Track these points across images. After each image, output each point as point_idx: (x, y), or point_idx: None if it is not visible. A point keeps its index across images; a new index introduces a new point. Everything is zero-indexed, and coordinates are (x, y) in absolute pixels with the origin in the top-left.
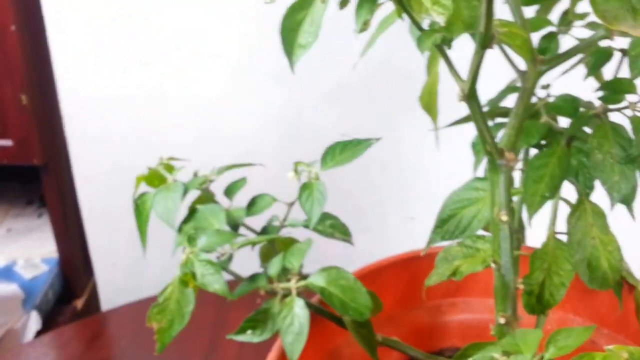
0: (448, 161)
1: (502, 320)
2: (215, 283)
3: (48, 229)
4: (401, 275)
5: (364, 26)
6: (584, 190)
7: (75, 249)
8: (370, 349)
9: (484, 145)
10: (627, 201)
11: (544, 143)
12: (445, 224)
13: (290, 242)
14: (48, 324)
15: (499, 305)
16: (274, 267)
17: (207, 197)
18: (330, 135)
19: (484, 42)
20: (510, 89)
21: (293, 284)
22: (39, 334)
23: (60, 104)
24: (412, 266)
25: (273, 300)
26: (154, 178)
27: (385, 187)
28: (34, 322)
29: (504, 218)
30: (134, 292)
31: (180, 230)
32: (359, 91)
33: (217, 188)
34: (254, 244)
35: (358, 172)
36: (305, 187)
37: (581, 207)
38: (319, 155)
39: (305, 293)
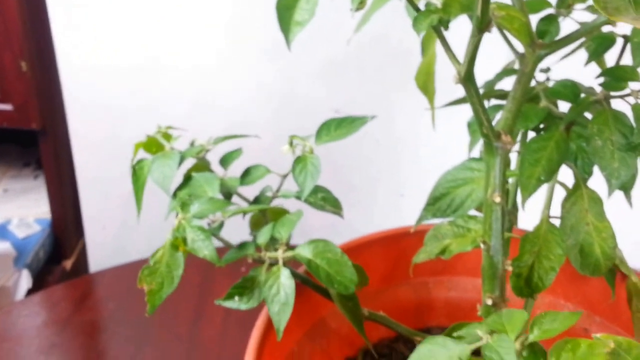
0: (441, 140)
1: (489, 301)
2: (205, 249)
3: (43, 191)
4: (389, 251)
5: (360, 5)
6: (582, 176)
7: (67, 211)
8: (356, 322)
9: (481, 127)
10: (626, 188)
11: (542, 127)
12: (438, 202)
13: (281, 212)
14: (38, 282)
15: (487, 286)
16: (263, 236)
17: (202, 166)
18: (324, 110)
19: (481, 26)
20: (507, 71)
21: (280, 254)
22: (29, 292)
23: (58, 71)
24: (400, 242)
25: (260, 269)
26: (152, 145)
27: (377, 163)
28: (25, 280)
29: (498, 200)
30: (121, 255)
31: (174, 196)
32: (353, 67)
33: (213, 158)
34: (245, 212)
35: (351, 147)
36: (299, 160)
37: (577, 193)
38: (312, 128)
39: (292, 264)
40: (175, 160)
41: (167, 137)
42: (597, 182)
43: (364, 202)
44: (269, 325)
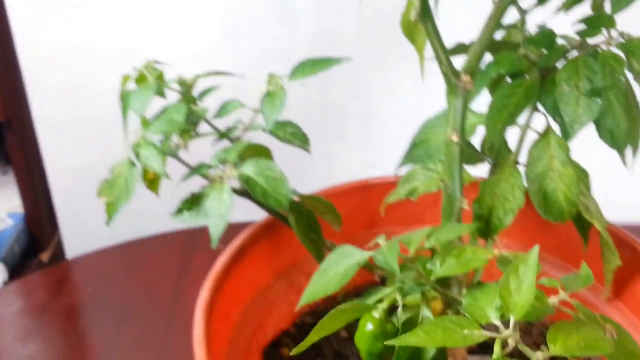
0: (415, 111)
1: None
2: (155, 164)
3: (13, 185)
4: (363, 199)
5: None
6: (564, 127)
7: (40, 203)
8: (316, 252)
9: (440, 66)
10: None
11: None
12: (416, 149)
13: (254, 147)
14: (15, 277)
15: (444, 224)
16: (214, 158)
17: (186, 100)
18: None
19: None
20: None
21: (225, 172)
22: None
23: (19, 59)
24: (374, 191)
25: (208, 187)
26: (140, 78)
27: (349, 134)
28: (1, 274)
29: (455, 139)
30: (97, 243)
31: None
32: (330, 37)
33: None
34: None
35: (323, 118)
36: (268, 95)
37: (545, 139)
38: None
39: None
40: (153, 89)
41: (150, 69)
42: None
43: (337, 173)
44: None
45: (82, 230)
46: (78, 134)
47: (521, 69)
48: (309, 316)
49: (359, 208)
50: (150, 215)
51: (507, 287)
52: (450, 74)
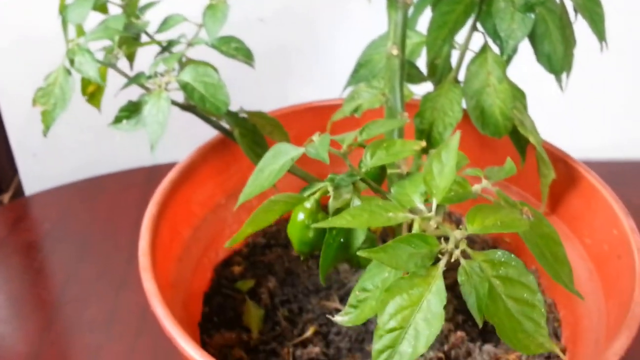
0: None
1: None
2: (90, 70)
3: None
4: (314, 120)
5: None
6: (501, 43)
7: None
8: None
9: None
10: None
11: None
12: (361, 69)
13: (196, 63)
14: None
15: (386, 137)
16: (153, 66)
17: (127, 14)
18: (250, 20)
19: None
20: None
21: (164, 81)
22: None
23: None
24: (322, 112)
25: (146, 95)
26: None
27: (303, 70)
28: None
29: (395, 52)
30: (56, 181)
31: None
32: None
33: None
34: (141, 45)
35: (275, 56)
36: (209, 7)
37: (483, 56)
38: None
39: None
40: (90, 1)
41: None
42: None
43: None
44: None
45: (39, 169)
46: (24, 62)
47: None
48: (261, 237)
49: (307, 128)
50: (111, 155)
51: (431, 172)
52: None
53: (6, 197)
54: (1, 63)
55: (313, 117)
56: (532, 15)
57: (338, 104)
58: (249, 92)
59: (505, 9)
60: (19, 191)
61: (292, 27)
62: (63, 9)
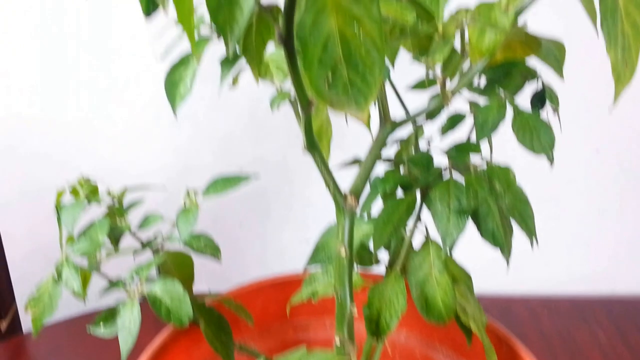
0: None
1: (337, 341)
2: (75, 285)
3: None
4: (277, 294)
5: (234, 82)
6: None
7: (2, 279)
8: (225, 354)
9: (328, 188)
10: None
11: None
12: (319, 253)
13: (176, 255)
14: None
15: (338, 327)
16: (130, 274)
17: (113, 212)
18: (231, 169)
19: (304, 105)
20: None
21: (136, 290)
22: None
23: None
24: (286, 287)
25: (122, 302)
26: (73, 193)
27: (281, 213)
28: None
29: (343, 254)
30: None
31: (78, 238)
32: (253, 128)
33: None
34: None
35: (256, 200)
36: (183, 212)
37: (425, 249)
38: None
39: None
40: (82, 206)
41: (83, 185)
42: None
43: (272, 248)
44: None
45: None
46: (30, 203)
47: (405, 185)
48: None
49: (272, 302)
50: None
51: None
52: (338, 196)
53: (4, 324)
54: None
55: (276, 292)
56: (466, 218)
57: (298, 279)
58: (230, 233)
59: (442, 211)
60: (16, 319)
61: (267, 174)
62: (59, 211)
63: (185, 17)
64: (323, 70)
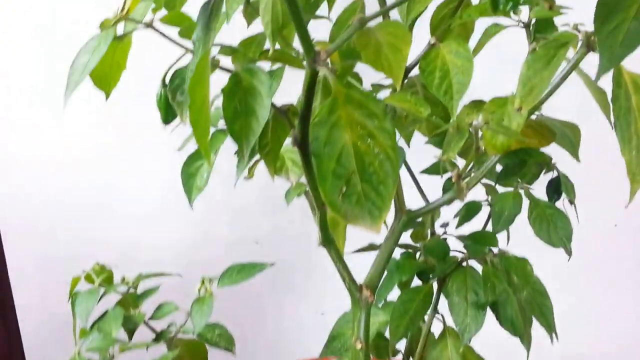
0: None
1: None
2: None
3: None
4: None
5: (250, 175)
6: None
7: (13, 348)
8: None
9: (344, 282)
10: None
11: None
12: (334, 341)
13: (191, 343)
14: None
15: None
16: None
17: (127, 300)
18: (245, 243)
19: (319, 204)
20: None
21: None
22: None
23: None
24: None
25: None
26: (87, 279)
27: (298, 285)
28: None
29: (359, 346)
30: None
31: (91, 327)
32: (270, 199)
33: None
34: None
35: (273, 271)
36: (197, 301)
37: (443, 341)
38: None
39: None
40: (96, 296)
41: (98, 272)
42: None
43: (290, 322)
44: None
45: None
46: (45, 281)
47: (424, 274)
48: None
49: None
50: None
51: None
52: (353, 289)
53: None
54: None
55: None
56: (484, 311)
57: None
58: (247, 303)
59: (459, 303)
60: None
61: (284, 245)
62: (73, 298)
63: (201, 136)
64: (337, 183)
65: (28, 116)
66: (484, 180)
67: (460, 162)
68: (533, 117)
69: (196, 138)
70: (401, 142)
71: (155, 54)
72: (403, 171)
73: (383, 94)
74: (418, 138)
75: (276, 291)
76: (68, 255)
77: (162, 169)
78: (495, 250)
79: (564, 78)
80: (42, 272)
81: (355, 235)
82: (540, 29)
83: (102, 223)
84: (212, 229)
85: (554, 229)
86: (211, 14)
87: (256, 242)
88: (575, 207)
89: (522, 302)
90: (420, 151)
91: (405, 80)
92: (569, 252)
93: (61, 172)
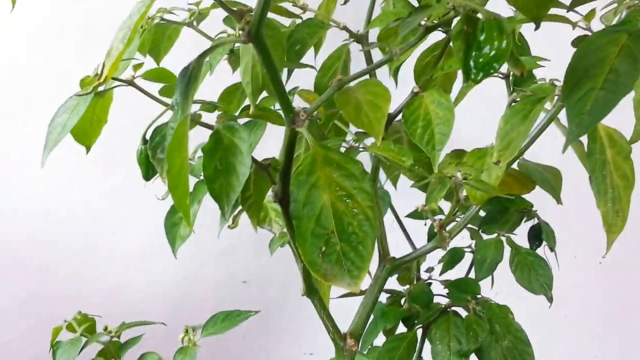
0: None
1: None
2: None
3: None
4: None
5: (234, 224)
6: None
7: None
8: None
9: (328, 333)
10: None
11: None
12: None
13: None
14: None
15: None
16: None
17: (109, 349)
18: (234, 283)
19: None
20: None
21: None
22: None
23: None
24: None
25: None
26: (69, 328)
27: (285, 326)
28: None
29: None
30: None
31: None
32: (257, 239)
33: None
34: None
35: (260, 315)
36: (181, 351)
37: None
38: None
39: None
40: (78, 346)
41: (80, 322)
42: None
43: None
44: None
45: None
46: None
47: (409, 321)
48: None
49: None
50: None
51: None
52: (337, 339)
53: None
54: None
55: None
56: (467, 359)
57: None
58: (236, 345)
59: (442, 352)
60: None
61: (272, 285)
62: (55, 347)
63: (180, 201)
64: (316, 243)
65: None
66: (470, 225)
67: (447, 205)
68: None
69: (175, 202)
70: (387, 184)
71: (139, 106)
72: (389, 215)
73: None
74: (406, 180)
75: (264, 332)
76: (56, 296)
77: (149, 210)
78: (484, 295)
79: (541, 131)
80: (27, 313)
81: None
82: (519, 82)
83: (89, 265)
84: (200, 269)
85: (535, 275)
86: (189, 81)
87: (244, 282)
88: (555, 253)
89: (503, 350)
90: (408, 193)
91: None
92: (549, 299)
93: (48, 221)
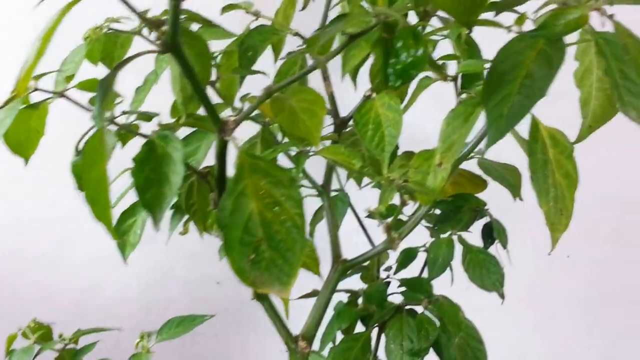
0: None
1: None
2: None
3: None
4: None
5: (185, 231)
6: None
7: None
8: None
9: (281, 336)
10: None
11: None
12: None
13: None
14: None
15: None
16: None
17: (64, 357)
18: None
19: None
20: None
21: None
22: None
23: None
24: None
25: None
26: (24, 336)
27: (262, 326)
28: None
29: None
30: None
31: None
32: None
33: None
34: None
35: (235, 315)
36: (134, 357)
37: None
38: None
39: None
40: (31, 354)
41: (34, 330)
42: None
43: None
44: None
45: None
46: None
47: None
48: None
49: None
50: None
51: None
52: (290, 342)
53: None
54: None
55: None
56: (419, 358)
57: None
58: (213, 345)
59: (395, 351)
60: None
61: (245, 286)
62: (9, 353)
63: (101, 214)
64: (245, 251)
65: None
66: (427, 224)
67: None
68: (474, 160)
69: (95, 216)
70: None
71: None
72: (349, 215)
73: None
74: None
75: (240, 331)
76: (23, 303)
77: (118, 213)
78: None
79: (486, 133)
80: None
81: (301, 280)
82: (466, 84)
83: (59, 269)
84: (172, 271)
85: (487, 273)
86: (105, 92)
87: (217, 283)
88: (507, 251)
89: (455, 348)
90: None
91: (348, 129)
92: (501, 296)
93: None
